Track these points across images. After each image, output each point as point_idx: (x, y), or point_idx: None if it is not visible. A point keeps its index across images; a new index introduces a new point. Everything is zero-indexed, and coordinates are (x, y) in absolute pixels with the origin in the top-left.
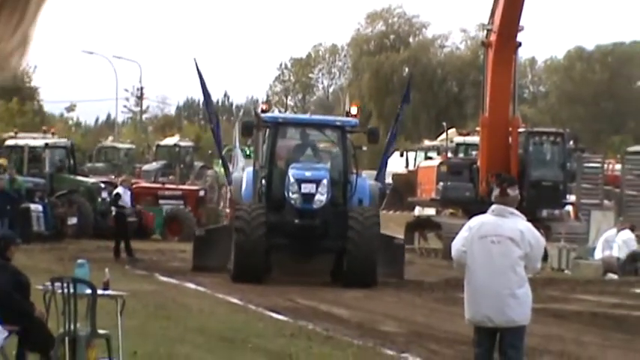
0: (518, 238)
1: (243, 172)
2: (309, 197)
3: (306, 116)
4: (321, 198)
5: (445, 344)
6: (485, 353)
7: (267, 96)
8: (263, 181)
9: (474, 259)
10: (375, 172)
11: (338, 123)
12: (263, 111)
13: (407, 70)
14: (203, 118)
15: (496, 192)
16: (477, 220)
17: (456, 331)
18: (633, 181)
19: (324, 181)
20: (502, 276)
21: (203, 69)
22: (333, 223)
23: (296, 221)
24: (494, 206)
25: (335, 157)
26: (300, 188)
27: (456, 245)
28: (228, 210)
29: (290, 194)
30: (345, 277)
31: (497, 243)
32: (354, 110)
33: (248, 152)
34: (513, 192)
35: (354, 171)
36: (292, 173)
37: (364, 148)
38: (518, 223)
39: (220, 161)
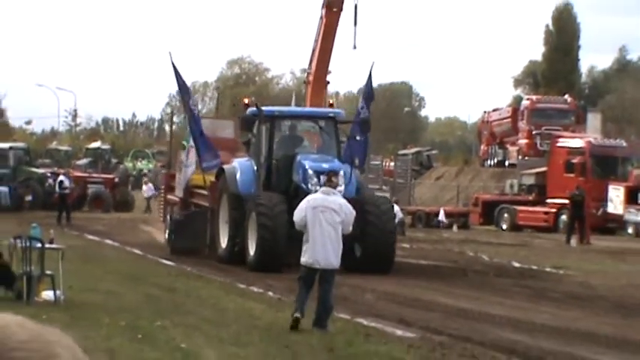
0: (338, 209)
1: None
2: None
3: (300, 108)
4: (340, 188)
5: (278, 280)
6: (307, 285)
7: (161, 116)
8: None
9: (309, 222)
10: None
11: (331, 114)
12: (247, 105)
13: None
14: (117, 129)
15: (324, 179)
16: (311, 197)
17: (285, 270)
18: (401, 174)
19: (342, 172)
20: (327, 234)
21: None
22: None
23: None
24: (323, 188)
25: (329, 148)
26: (319, 180)
27: (297, 213)
28: (177, 196)
29: (309, 186)
30: (363, 262)
31: (324, 212)
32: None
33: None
34: (336, 179)
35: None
36: (309, 165)
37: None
38: (338, 199)
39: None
